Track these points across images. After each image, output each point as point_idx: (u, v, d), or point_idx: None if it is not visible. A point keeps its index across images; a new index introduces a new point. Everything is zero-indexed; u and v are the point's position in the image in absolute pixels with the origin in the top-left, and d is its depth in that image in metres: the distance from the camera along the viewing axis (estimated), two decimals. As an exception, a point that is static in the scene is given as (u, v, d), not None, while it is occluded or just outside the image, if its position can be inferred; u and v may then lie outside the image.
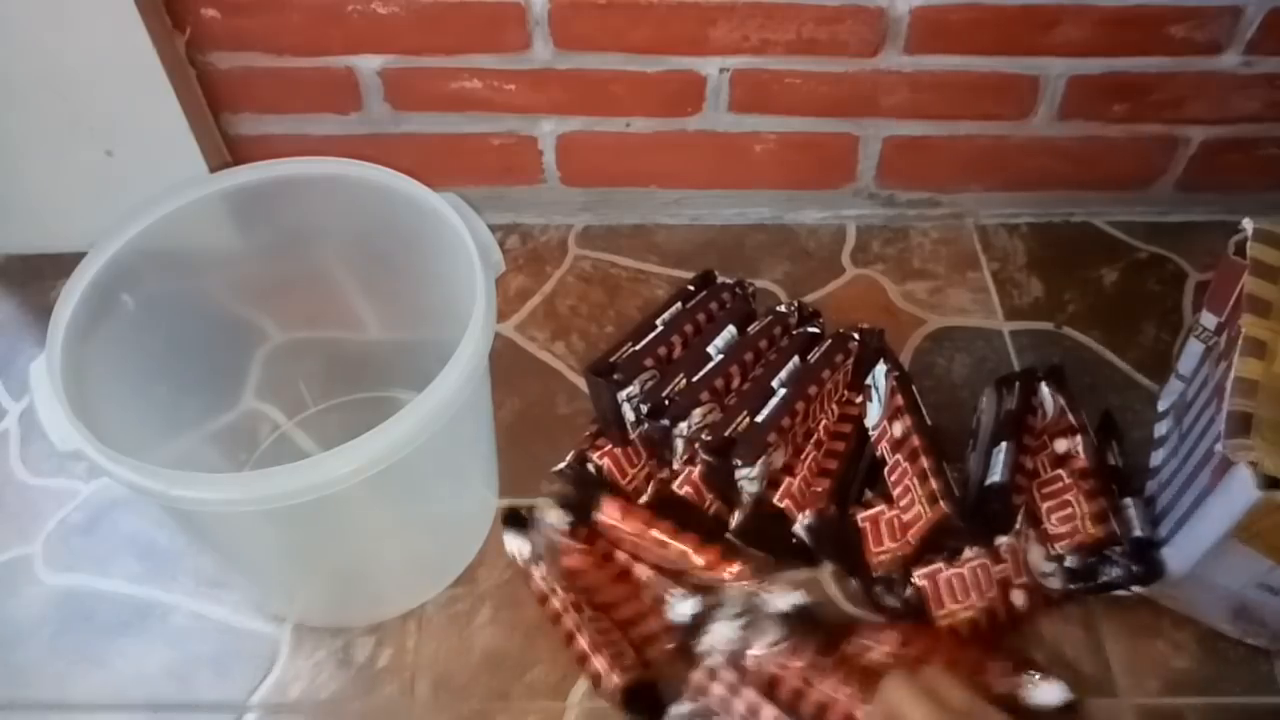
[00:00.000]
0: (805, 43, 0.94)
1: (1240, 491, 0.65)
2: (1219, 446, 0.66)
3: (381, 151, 0.99)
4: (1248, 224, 0.75)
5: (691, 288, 0.94)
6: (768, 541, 0.82)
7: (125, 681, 0.77)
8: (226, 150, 1.02)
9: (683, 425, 0.80)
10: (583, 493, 0.83)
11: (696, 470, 0.81)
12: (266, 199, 0.75)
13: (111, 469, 0.58)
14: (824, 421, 0.85)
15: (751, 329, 0.89)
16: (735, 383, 0.84)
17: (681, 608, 0.76)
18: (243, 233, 0.77)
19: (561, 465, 0.86)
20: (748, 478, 0.77)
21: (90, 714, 0.76)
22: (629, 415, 0.82)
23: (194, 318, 0.79)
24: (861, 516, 0.80)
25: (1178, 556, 0.74)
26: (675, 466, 0.83)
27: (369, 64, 0.96)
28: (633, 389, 0.81)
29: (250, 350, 0.87)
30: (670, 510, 0.81)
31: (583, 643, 0.75)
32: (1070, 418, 0.83)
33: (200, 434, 0.84)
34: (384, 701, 0.76)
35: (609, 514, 0.80)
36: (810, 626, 0.74)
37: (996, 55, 0.95)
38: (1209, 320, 0.80)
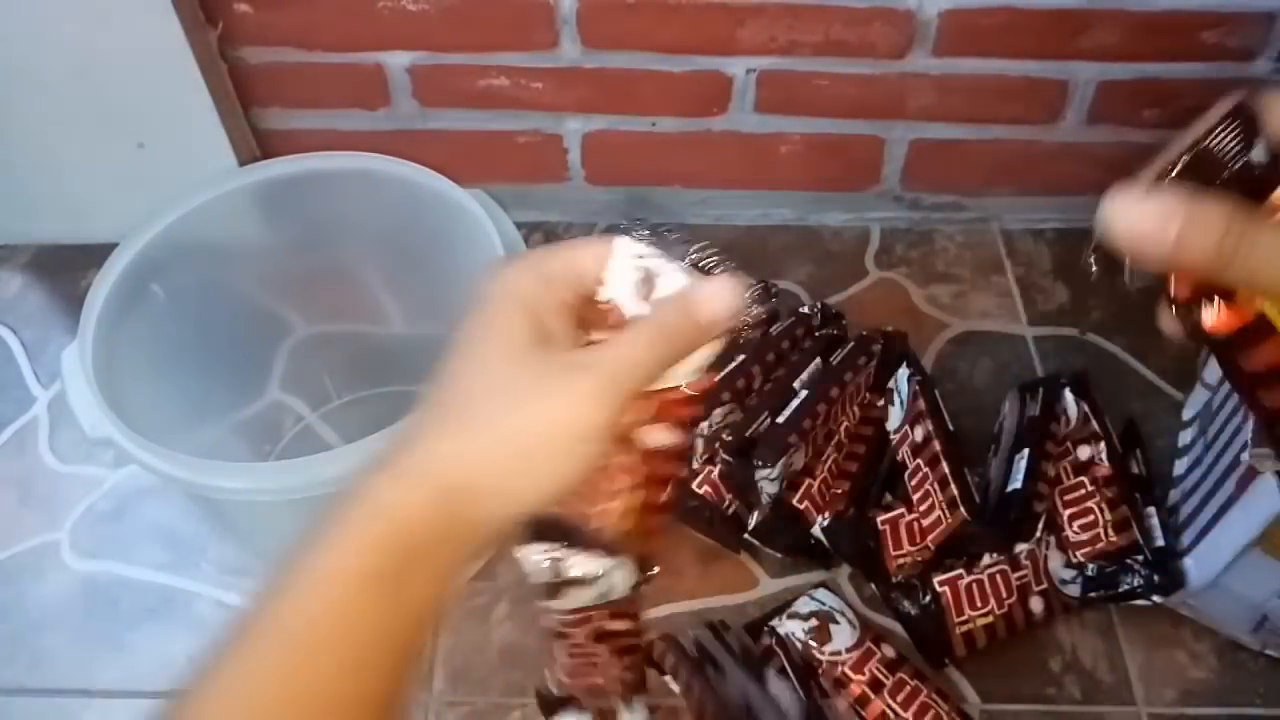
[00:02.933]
0: (833, 44, 0.94)
1: (1265, 501, 0.65)
2: (1245, 456, 0.65)
3: (408, 148, 0.99)
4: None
5: (714, 288, 0.94)
6: (785, 543, 0.82)
7: (148, 668, 0.78)
8: (256, 144, 1.03)
9: (703, 425, 0.80)
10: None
11: (716, 470, 0.82)
12: (295, 193, 0.75)
13: (140, 456, 0.59)
14: (845, 424, 0.85)
15: (774, 329, 0.89)
16: (756, 383, 0.84)
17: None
18: (271, 226, 0.78)
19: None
20: (768, 479, 0.77)
21: (113, 700, 0.77)
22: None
23: (222, 309, 0.80)
24: (881, 519, 0.80)
25: (1199, 566, 0.74)
26: (694, 466, 0.83)
27: (398, 60, 0.96)
28: (654, 388, 0.81)
29: (276, 342, 0.87)
30: (687, 510, 0.82)
31: None
32: (1093, 425, 0.82)
33: (226, 424, 0.85)
34: (402, 693, 0.76)
35: None
36: None
37: (1025, 59, 0.95)
38: (1236, 329, 0.80)
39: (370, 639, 0.32)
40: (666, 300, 0.34)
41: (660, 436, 0.36)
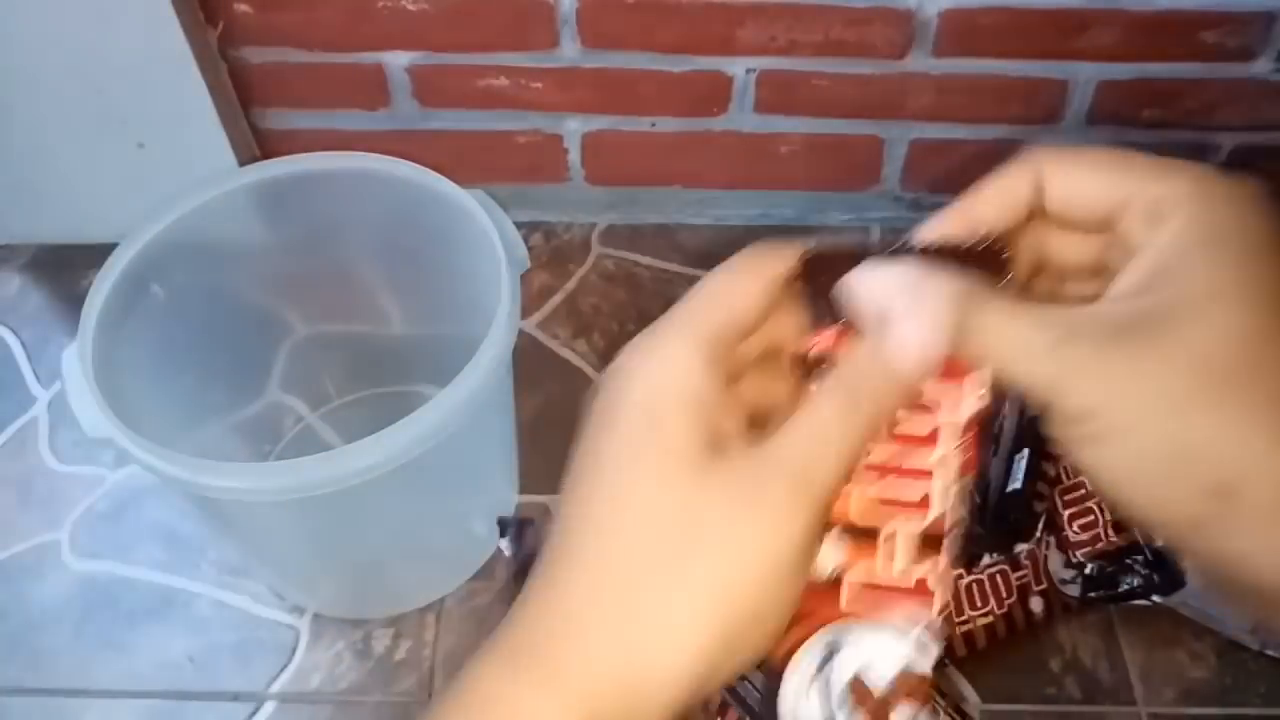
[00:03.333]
0: (833, 44, 0.94)
1: (1264, 502, 0.65)
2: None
3: (408, 148, 0.99)
4: (1277, 233, 0.75)
5: (714, 288, 0.94)
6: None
7: (147, 669, 0.78)
8: (255, 144, 1.03)
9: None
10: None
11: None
12: (295, 193, 0.75)
13: (140, 456, 0.59)
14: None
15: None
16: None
17: None
18: (271, 226, 0.78)
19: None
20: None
21: (112, 700, 0.77)
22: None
23: (222, 309, 0.80)
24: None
25: (1199, 566, 0.74)
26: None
27: (398, 60, 0.96)
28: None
29: (276, 342, 0.87)
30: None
31: None
32: (1093, 425, 0.82)
33: (225, 424, 0.85)
34: (402, 694, 0.76)
35: None
36: None
37: (1025, 59, 0.95)
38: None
39: None
40: (848, 360, 0.26)
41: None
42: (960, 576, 0.77)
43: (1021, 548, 0.78)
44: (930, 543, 0.27)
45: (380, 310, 0.88)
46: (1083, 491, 0.79)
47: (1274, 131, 1.00)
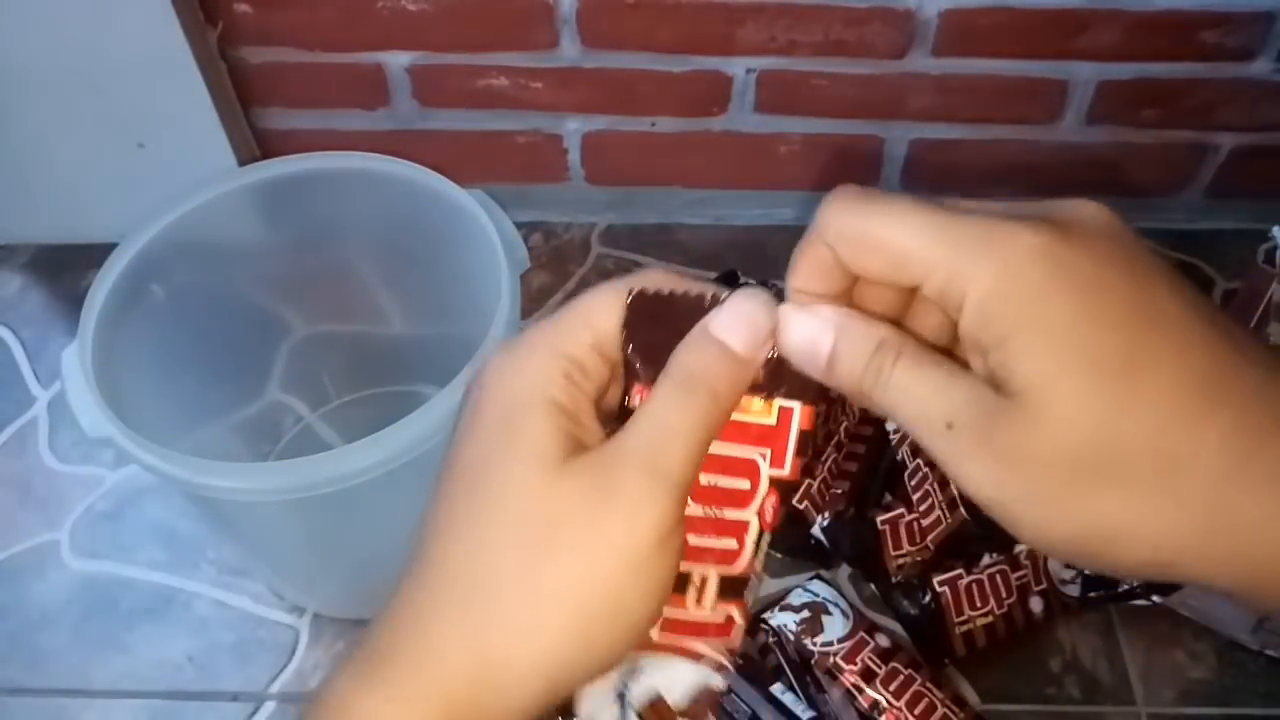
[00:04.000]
0: (833, 44, 0.94)
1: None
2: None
3: (407, 148, 0.99)
4: (1277, 232, 0.75)
5: (714, 288, 0.94)
6: (785, 544, 0.82)
7: (147, 669, 0.78)
8: (255, 144, 1.03)
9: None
10: None
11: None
12: (294, 193, 0.75)
13: (140, 456, 0.59)
14: (845, 423, 0.85)
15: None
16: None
17: None
18: (270, 226, 0.78)
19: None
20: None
21: (112, 700, 0.77)
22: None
23: (221, 309, 0.80)
24: (881, 519, 0.80)
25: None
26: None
27: (397, 60, 0.96)
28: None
29: (276, 342, 0.87)
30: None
31: None
32: (1093, 425, 0.82)
33: (225, 424, 0.85)
34: (402, 693, 0.76)
35: None
36: None
37: (1025, 59, 0.95)
38: (1235, 329, 0.80)
39: None
40: (681, 345, 0.26)
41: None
42: (960, 576, 0.77)
43: (1021, 548, 0.78)
44: (739, 584, 0.28)
45: (380, 310, 0.88)
46: (1082, 491, 0.79)
47: (1273, 131, 1.00)
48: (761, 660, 0.75)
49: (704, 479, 0.27)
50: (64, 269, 1.05)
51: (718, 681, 0.29)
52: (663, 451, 0.25)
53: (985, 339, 0.23)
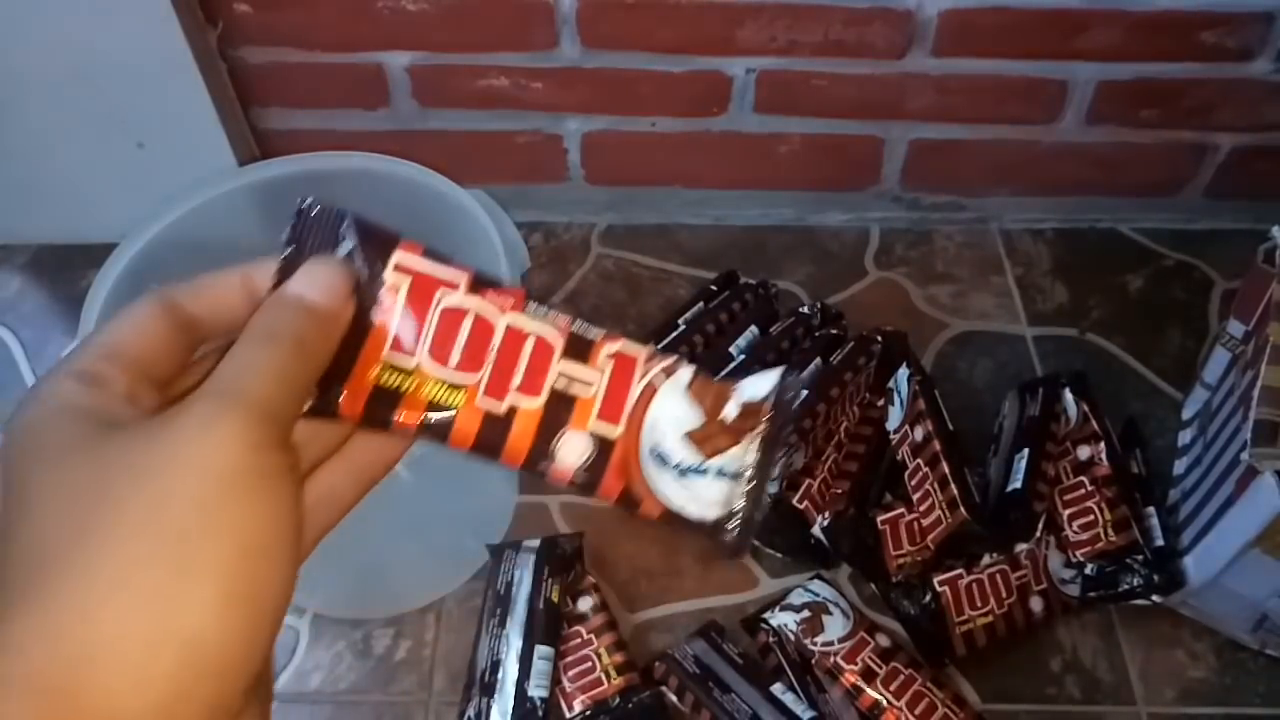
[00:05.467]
0: (832, 44, 0.94)
1: (1265, 501, 0.65)
2: (1244, 455, 0.65)
3: (407, 148, 0.99)
4: (1277, 232, 0.75)
5: (714, 288, 0.94)
6: (785, 544, 0.82)
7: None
8: (255, 144, 1.03)
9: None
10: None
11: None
12: (295, 193, 0.75)
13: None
14: (845, 424, 0.85)
15: (773, 330, 0.89)
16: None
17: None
18: (270, 226, 0.78)
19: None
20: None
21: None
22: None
23: (221, 309, 0.80)
24: (881, 519, 0.80)
25: (1199, 566, 0.74)
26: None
27: (398, 60, 0.96)
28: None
29: (276, 343, 0.87)
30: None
31: None
32: (1093, 424, 0.82)
33: None
34: (402, 693, 0.76)
35: None
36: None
37: (1025, 59, 0.95)
38: (1236, 328, 0.80)
39: None
40: (256, 311, 0.26)
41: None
42: (960, 576, 0.77)
43: (1021, 548, 0.78)
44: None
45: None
46: (1082, 491, 0.79)
47: (1273, 132, 1.00)
48: (762, 660, 0.75)
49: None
50: (64, 269, 1.05)
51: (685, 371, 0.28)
52: (243, 378, 0.23)
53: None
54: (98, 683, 0.20)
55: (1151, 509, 0.79)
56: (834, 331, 0.90)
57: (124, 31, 0.89)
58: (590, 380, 0.28)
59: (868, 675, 0.72)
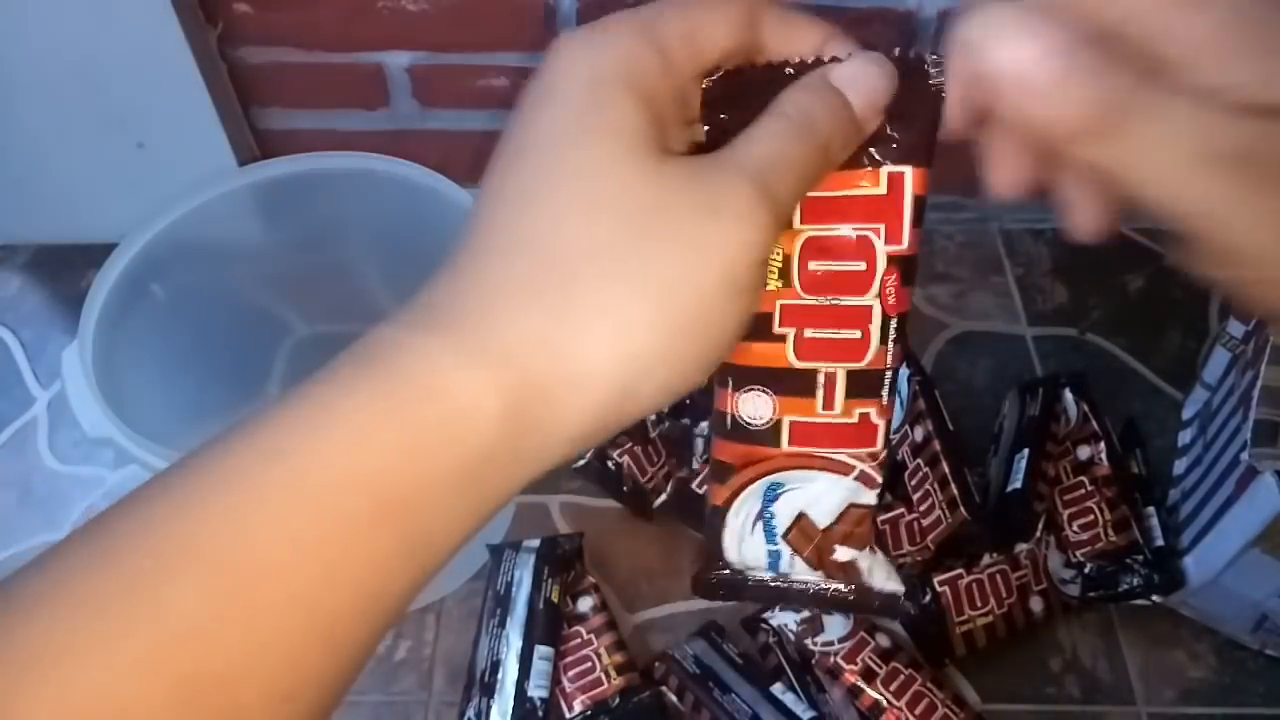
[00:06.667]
0: (832, 44, 0.94)
1: (1265, 501, 0.65)
2: (1244, 455, 0.65)
3: (407, 148, 0.99)
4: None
5: (714, 288, 0.94)
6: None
7: (148, 667, 0.78)
8: (255, 144, 1.03)
9: (703, 424, 0.80)
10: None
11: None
12: (294, 193, 0.75)
13: (140, 456, 0.59)
14: (844, 424, 0.85)
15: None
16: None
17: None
18: (270, 226, 0.78)
19: (581, 462, 0.86)
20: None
21: (113, 699, 0.77)
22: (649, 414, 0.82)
23: (221, 309, 0.80)
24: (881, 520, 0.80)
25: (1199, 566, 0.74)
26: (695, 465, 0.83)
27: (398, 60, 0.96)
28: (654, 388, 0.81)
29: (275, 343, 0.88)
30: (689, 510, 0.82)
31: None
32: (1093, 424, 0.82)
33: (225, 424, 0.85)
34: (402, 694, 0.76)
35: None
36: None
37: (1025, 59, 0.95)
38: (1236, 328, 0.80)
39: (357, 601, 0.20)
40: (796, 86, 0.23)
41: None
42: (960, 576, 0.77)
43: (1021, 548, 0.78)
44: (870, 380, 0.27)
45: (380, 310, 0.87)
46: (1082, 491, 0.79)
47: (1273, 131, 1.00)
48: (762, 660, 0.75)
49: (813, 265, 0.25)
50: (64, 269, 1.05)
51: (866, 496, 0.27)
52: (776, 177, 0.22)
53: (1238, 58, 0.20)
54: (588, 381, 0.21)
55: (1151, 509, 0.79)
56: (834, 331, 0.90)
57: (124, 31, 0.89)
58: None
59: (868, 675, 0.72)
